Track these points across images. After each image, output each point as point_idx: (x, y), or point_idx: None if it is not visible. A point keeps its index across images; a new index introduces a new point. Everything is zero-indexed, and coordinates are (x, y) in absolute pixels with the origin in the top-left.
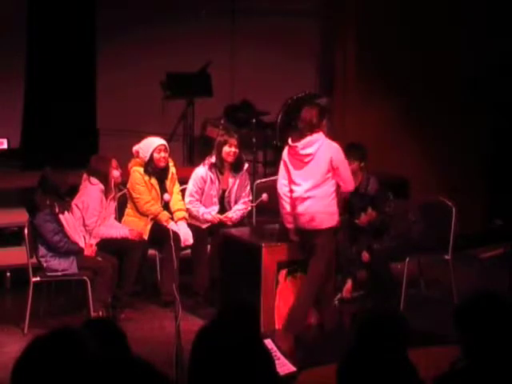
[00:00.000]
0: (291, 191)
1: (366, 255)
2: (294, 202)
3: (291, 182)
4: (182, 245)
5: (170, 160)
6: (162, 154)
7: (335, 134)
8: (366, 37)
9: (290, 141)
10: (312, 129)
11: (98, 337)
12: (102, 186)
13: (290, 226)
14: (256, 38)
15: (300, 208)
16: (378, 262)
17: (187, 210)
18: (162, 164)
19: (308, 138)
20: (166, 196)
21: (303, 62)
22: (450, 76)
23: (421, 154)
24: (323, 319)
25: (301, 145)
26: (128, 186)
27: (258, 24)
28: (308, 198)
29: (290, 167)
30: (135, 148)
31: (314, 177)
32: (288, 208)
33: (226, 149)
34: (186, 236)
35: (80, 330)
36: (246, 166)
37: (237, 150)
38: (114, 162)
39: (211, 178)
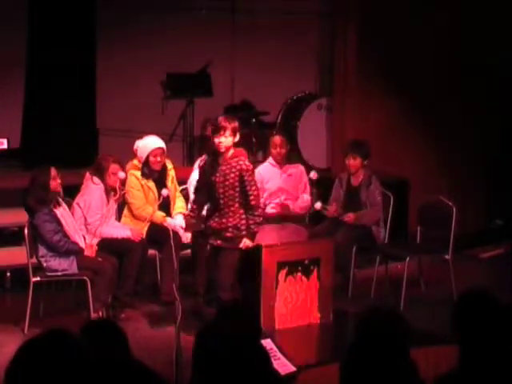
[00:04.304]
0: None
1: (350, 216)
2: None
3: None
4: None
5: (169, 162)
6: (158, 159)
7: (335, 133)
8: (366, 36)
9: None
10: None
11: (98, 338)
12: (103, 186)
13: None
14: (256, 38)
15: None
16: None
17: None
18: (157, 168)
19: None
20: (165, 191)
21: (303, 61)
22: (451, 75)
23: (421, 154)
24: None
25: None
26: (125, 187)
27: (258, 24)
28: None
29: None
30: (136, 145)
31: None
32: None
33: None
34: (177, 228)
35: (72, 331)
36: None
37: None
38: (115, 167)
39: None
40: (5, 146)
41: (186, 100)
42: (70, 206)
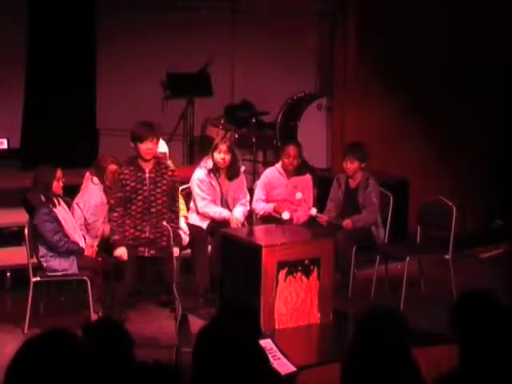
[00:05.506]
0: None
1: (348, 223)
2: None
3: None
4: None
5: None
6: None
7: (335, 133)
8: (366, 36)
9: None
10: None
11: (102, 338)
12: (103, 186)
13: None
14: (256, 38)
15: None
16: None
17: (204, 213)
18: None
19: None
20: None
21: (303, 61)
22: (451, 75)
23: (421, 154)
24: None
25: None
26: None
27: (258, 24)
28: None
29: None
30: None
31: None
32: None
33: (215, 155)
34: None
35: (72, 331)
36: (243, 168)
37: (228, 156)
38: (114, 168)
39: (211, 183)
40: (5, 146)
41: (185, 100)
42: (69, 206)
